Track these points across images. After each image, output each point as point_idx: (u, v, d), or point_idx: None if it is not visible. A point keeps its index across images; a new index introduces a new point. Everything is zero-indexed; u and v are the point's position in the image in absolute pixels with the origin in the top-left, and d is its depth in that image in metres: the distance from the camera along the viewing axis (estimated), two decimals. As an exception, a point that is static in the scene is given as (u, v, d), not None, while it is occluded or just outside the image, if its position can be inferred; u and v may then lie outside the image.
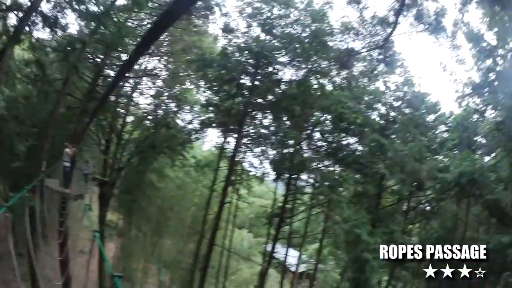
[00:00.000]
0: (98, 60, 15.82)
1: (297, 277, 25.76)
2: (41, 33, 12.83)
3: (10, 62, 10.15)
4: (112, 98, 18.40)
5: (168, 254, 31.19)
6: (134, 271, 28.28)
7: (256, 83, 16.46)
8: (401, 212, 18.69)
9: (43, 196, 6.30)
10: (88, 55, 15.31)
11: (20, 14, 10.41)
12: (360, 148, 16.37)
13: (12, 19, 11.13)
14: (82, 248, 23.66)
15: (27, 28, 10.70)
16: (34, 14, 10.25)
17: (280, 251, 21.24)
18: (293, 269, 26.78)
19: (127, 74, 18.70)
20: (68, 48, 12.16)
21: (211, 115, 18.16)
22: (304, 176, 17.63)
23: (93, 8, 12.41)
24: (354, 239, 14.26)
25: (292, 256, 23.10)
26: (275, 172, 17.77)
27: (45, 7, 11.40)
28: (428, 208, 19.69)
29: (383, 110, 17.90)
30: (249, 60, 17.05)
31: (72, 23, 13.26)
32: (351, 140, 16.67)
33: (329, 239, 19.82)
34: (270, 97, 16.67)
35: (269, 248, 21.07)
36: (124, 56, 17.64)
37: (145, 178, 18.54)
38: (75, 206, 14.09)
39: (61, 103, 12.25)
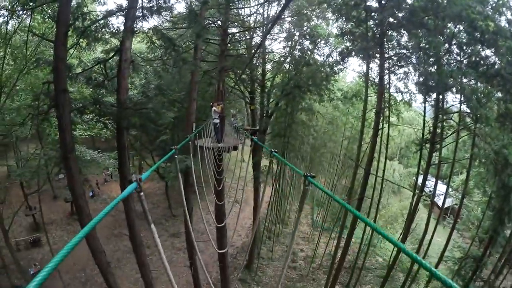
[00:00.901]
0: (219, 22, 16.18)
1: (443, 213, 24.21)
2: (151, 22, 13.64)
3: (130, 53, 10.71)
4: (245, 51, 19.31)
5: (320, 193, 32.57)
6: (288, 213, 30.70)
7: (383, 2, 14.81)
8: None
9: (196, 155, 6.90)
10: (209, 21, 15.83)
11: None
12: (497, 61, 13.77)
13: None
14: (236, 198, 26.47)
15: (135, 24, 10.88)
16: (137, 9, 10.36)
17: (428, 184, 20.10)
18: (439, 203, 25.14)
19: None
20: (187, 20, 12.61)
21: (348, 44, 17.29)
22: (450, 97, 15.99)
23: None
24: (502, 163, 12.64)
25: (440, 191, 21.70)
26: (421, 94, 16.26)
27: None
28: None
29: (509, 15, 14.46)
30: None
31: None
32: (488, 52, 14.09)
33: (476, 169, 17.98)
34: (400, 14, 14.92)
35: (419, 180, 20.01)
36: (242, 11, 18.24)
37: (295, 118, 19.10)
38: (228, 159, 15.27)
39: (197, 69, 12.90)
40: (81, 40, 11.75)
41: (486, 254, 15.18)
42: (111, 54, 11.07)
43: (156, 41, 13.11)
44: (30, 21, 14.44)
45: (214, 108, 11.87)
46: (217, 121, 11.94)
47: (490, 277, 16.93)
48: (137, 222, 9.64)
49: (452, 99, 16.16)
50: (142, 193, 1.83)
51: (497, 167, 13.22)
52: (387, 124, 17.48)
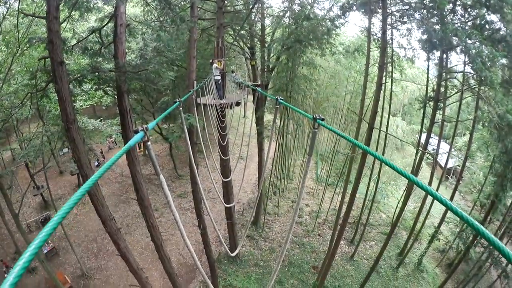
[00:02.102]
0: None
1: (445, 173, 24.41)
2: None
3: (125, 17, 10.49)
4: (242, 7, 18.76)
5: (324, 147, 32.76)
6: (292, 167, 30.97)
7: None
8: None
9: (199, 113, 6.84)
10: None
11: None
12: (503, 27, 13.38)
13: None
14: (241, 154, 26.60)
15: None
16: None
17: (432, 142, 20.17)
18: (442, 163, 25.26)
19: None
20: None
21: (350, -3, 16.63)
22: (454, 57, 15.68)
23: None
24: (505, 129, 12.64)
25: (443, 151, 21.87)
26: (425, 51, 15.91)
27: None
28: None
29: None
30: None
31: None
32: (494, 17, 13.69)
33: (479, 132, 18.03)
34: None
35: (422, 139, 20.11)
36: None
37: (296, 73, 18.81)
38: (231, 116, 15.26)
39: (195, 26, 12.61)
40: (73, 13, 11.48)
41: (487, 220, 15.49)
42: (106, 21, 10.79)
43: (152, 3, 12.90)
44: (19, 3, 14.05)
45: (214, 65, 11.89)
46: (218, 77, 11.95)
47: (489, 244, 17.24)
48: (144, 184, 9.71)
49: (456, 60, 15.95)
50: (149, 143, 1.78)
51: (500, 132, 13.23)
52: (390, 80, 17.24)
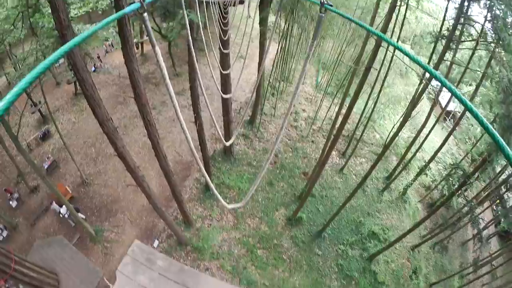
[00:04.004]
0: None
1: (444, 114, 24.20)
2: None
3: None
4: None
5: (327, 57, 32.02)
6: (293, 71, 30.42)
7: None
8: None
9: (200, 10, 6.32)
10: None
11: None
12: None
13: None
14: (241, 54, 26.00)
15: None
16: None
17: (436, 81, 19.58)
18: (443, 104, 24.81)
19: None
20: None
21: None
22: (476, 9, 14.63)
23: None
24: None
25: (445, 92, 21.46)
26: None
27: None
28: None
29: None
30: None
31: None
32: None
33: (485, 88, 17.50)
34: None
35: (427, 74, 19.51)
36: None
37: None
38: (233, 16, 14.55)
39: None
40: None
41: (475, 176, 15.56)
42: None
43: None
44: None
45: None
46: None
47: (472, 200, 17.77)
48: (142, 82, 9.52)
49: (478, 12, 14.93)
50: (145, 14, 1.59)
51: (507, 96, 12.85)
52: (406, 5, 16.21)
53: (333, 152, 21.51)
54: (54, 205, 17.18)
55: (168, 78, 1.91)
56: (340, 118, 16.52)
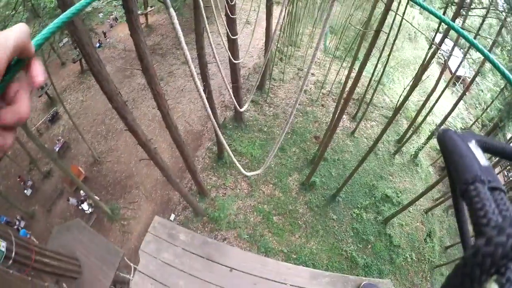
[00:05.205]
0: None
1: (454, 79, 23.58)
2: None
3: None
4: None
5: (335, 21, 31.28)
6: (300, 36, 29.80)
7: None
8: None
9: None
10: None
11: None
12: None
13: None
14: (249, 20, 25.32)
15: None
16: None
17: (446, 43, 18.97)
18: (452, 69, 24.20)
19: None
20: None
21: None
22: None
23: None
24: None
25: (455, 57, 20.83)
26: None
27: None
28: None
29: None
30: None
31: None
32: None
33: (496, 56, 16.59)
34: None
35: (437, 39, 19.07)
36: None
37: None
38: None
39: None
40: None
41: None
42: None
43: None
44: None
45: None
46: None
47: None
48: (148, 53, 9.24)
49: None
50: None
51: None
52: None
53: (344, 116, 21.27)
54: (72, 200, 17.21)
55: (183, 39, 1.76)
56: (349, 82, 16.26)
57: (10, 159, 18.72)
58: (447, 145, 0.55)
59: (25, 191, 17.72)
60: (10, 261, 5.93)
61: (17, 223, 16.63)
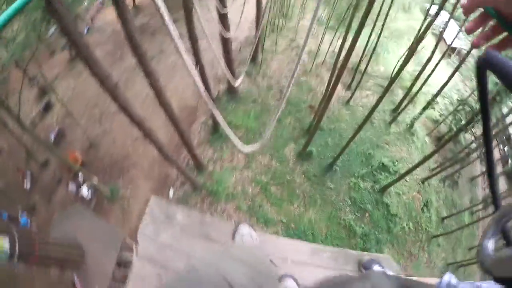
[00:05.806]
0: None
1: (449, 51, 23.33)
2: None
3: None
4: None
5: None
6: (291, 7, 29.49)
7: None
8: None
9: None
10: None
11: None
12: None
13: None
14: None
15: None
16: None
17: (441, 17, 18.57)
18: (448, 41, 23.71)
19: None
20: None
21: None
22: None
23: None
24: None
25: (451, 30, 20.89)
26: None
27: None
28: None
29: None
30: None
31: None
32: None
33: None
34: None
35: (431, 11, 18.57)
36: None
37: None
38: None
39: None
40: None
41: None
42: None
43: None
44: None
45: None
46: None
47: (480, 137, 17.28)
48: (136, 32, 9.07)
49: None
50: None
51: None
52: None
53: (338, 86, 21.20)
54: (71, 186, 17.10)
55: (168, 15, 1.65)
56: (343, 52, 16.11)
57: (7, 153, 18.83)
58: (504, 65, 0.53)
59: (25, 185, 17.63)
60: (15, 258, 5.99)
61: (20, 219, 16.61)
